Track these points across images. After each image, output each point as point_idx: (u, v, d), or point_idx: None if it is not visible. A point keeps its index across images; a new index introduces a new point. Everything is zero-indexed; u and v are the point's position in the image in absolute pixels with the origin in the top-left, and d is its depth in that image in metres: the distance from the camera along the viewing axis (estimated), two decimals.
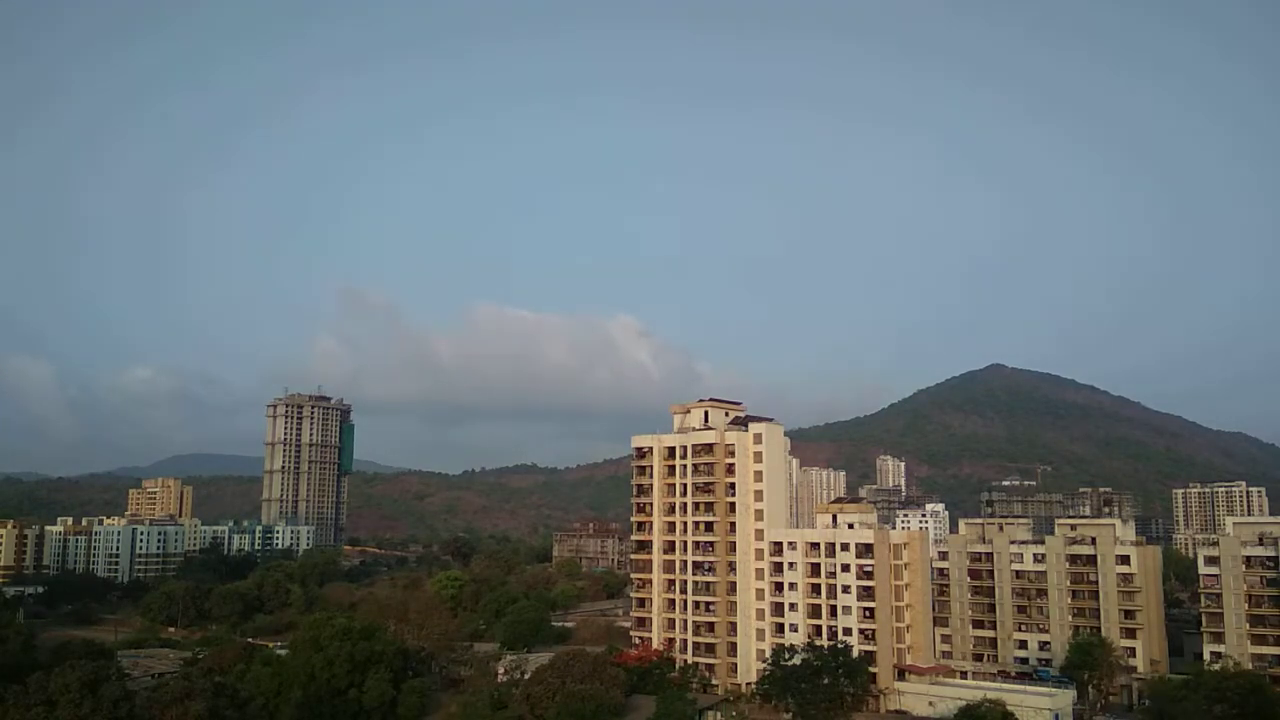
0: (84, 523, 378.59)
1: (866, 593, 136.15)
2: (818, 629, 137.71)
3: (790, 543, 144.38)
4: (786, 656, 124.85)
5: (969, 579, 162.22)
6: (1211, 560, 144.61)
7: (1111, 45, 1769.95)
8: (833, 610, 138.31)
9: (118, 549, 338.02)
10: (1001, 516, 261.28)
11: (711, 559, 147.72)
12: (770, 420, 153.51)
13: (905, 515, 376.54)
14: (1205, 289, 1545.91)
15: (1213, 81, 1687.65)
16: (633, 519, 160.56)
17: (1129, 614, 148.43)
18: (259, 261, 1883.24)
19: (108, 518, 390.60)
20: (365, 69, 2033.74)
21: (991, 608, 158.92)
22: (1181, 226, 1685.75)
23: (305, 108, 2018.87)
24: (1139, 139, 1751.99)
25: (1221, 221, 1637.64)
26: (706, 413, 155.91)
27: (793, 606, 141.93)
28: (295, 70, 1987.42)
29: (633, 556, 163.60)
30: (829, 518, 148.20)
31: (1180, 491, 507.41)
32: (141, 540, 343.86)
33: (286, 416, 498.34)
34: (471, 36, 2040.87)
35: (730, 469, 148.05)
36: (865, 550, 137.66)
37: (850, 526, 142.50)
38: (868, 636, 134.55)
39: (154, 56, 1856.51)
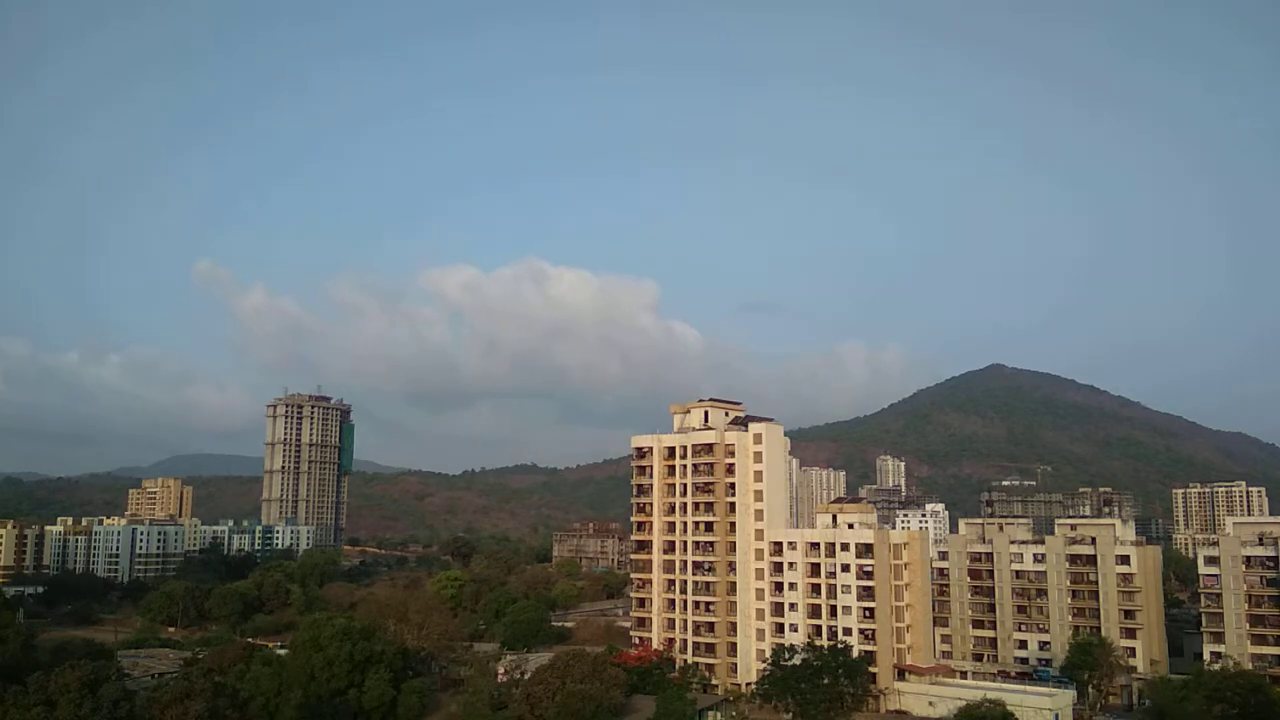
0: (84, 523, 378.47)
1: (866, 593, 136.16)
2: (818, 629, 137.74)
3: (790, 543, 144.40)
4: (786, 656, 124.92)
5: (969, 579, 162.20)
6: (1211, 560, 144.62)
7: (1125, 29, 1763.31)
8: (833, 610, 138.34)
9: (118, 549, 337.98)
10: (1001, 516, 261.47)
11: (711, 559, 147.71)
12: (770, 420, 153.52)
13: (905, 515, 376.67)
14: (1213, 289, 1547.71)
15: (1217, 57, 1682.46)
16: (633, 519, 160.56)
17: (1129, 614, 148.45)
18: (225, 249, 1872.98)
19: (108, 518, 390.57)
20: (360, 53, 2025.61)
21: (991, 608, 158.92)
22: (1196, 229, 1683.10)
23: (295, 91, 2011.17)
24: (1150, 142, 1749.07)
25: (1235, 225, 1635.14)
26: (706, 413, 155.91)
27: (793, 606, 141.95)
28: (261, 65, 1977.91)
29: (633, 556, 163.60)
30: (829, 518, 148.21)
31: (1180, 491, 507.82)
32: (141, 540, 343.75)
33: (286, 416, 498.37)
34: (477, 18, 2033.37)
35: (730, 469, 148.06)
36: (865, 550, 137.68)
37: (850, 526, 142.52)
38: (868, 636, 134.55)
39: (98, 59, 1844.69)
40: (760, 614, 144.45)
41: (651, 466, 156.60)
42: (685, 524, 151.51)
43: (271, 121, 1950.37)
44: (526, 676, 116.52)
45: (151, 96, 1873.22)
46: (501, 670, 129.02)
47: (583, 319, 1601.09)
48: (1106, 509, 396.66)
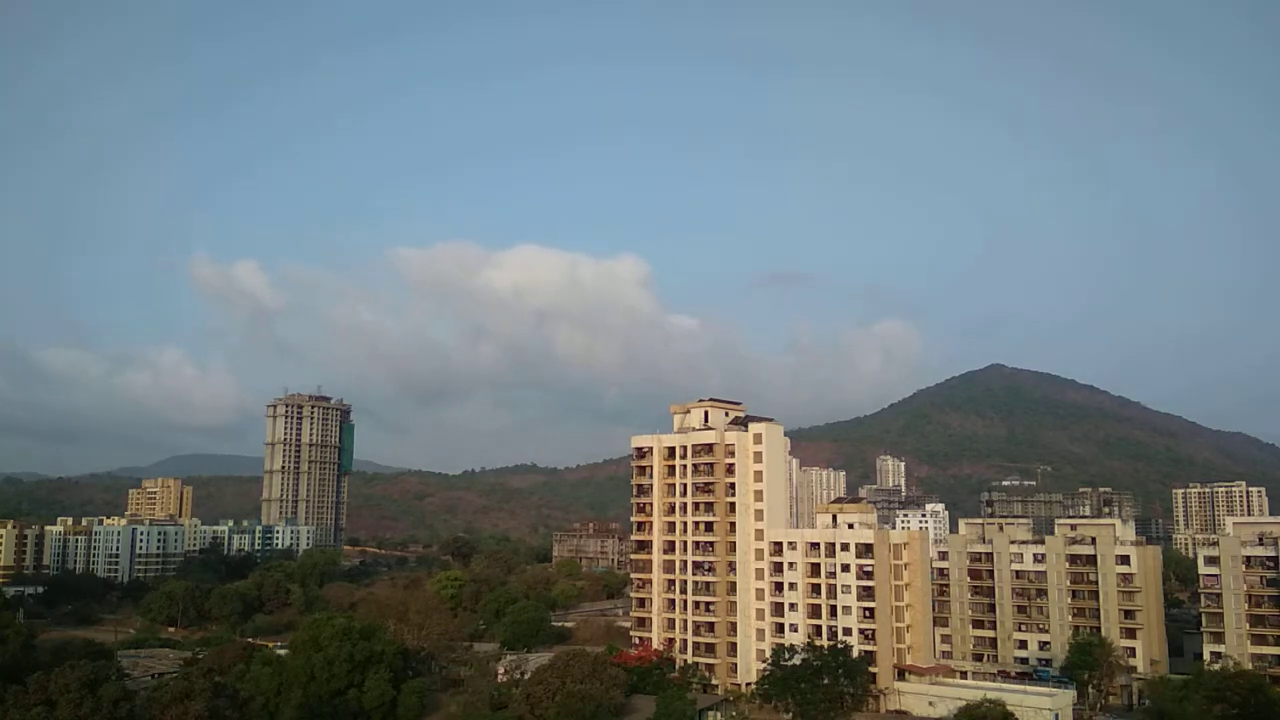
0: (84, 523, 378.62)
1: (866, 593, 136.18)
2: (818, 629, 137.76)
3: (790, 543, 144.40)
4: (786, 656, 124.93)
5: (969, 579, 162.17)
6: (1211, 560, 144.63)
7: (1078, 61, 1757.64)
8: (833, 610, 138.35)
9: (118, 549, 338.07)
10: (1001, 516, 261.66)
11: (711, 559, 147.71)
12: (770, 420, 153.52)
13: (905, 515, 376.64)
14: (1207, 287, 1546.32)
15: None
16: (633, 519, 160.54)
17: (1129, 614, 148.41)
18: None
19: (108, 518, 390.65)
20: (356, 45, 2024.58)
21: (991, 608, 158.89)
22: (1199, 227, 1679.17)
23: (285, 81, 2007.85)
24: (1171, 145, 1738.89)
25: (1252, 226, 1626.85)
26: (706, 413, 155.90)
27: (793, 606, 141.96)
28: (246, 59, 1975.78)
29: (633, 556, 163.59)
30: (829, 518, 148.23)
31: (1180, 491, 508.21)
32: (141, 540, 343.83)
33: (286, 416, 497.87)
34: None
35: (730, 469, 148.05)
36: (865, 550, 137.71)
37: (850, 526, 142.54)
38: (868, 636, 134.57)
39: (74, 56, 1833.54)
40: (760, 614, 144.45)
41: (651, 466, 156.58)
42: (685, 524, 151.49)
43: (243, 115, 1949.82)
44: (526, 676, 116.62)
45: (126, 92, 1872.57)
46: (501, 670, 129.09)
47: (574, 301, 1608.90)
48: (1106, 509, 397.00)
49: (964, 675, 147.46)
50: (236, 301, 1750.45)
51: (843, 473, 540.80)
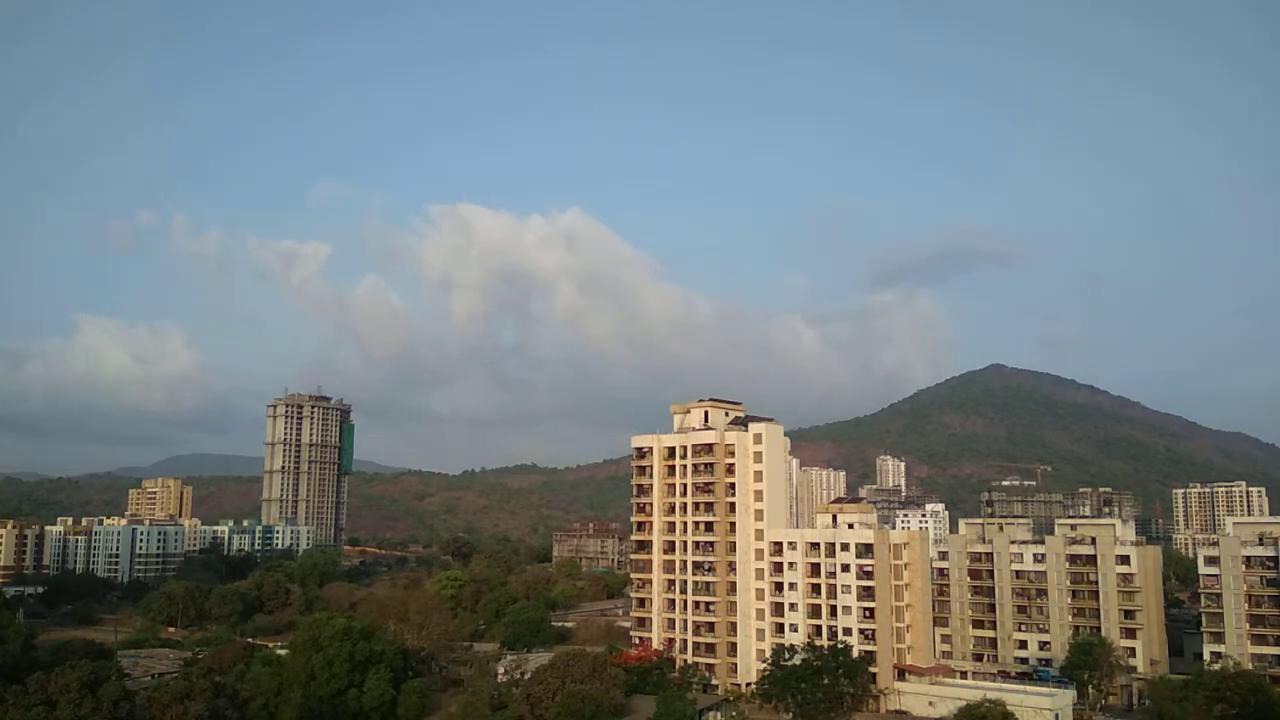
0: (84, 523, 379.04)
1: (866, 593, 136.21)
2: (818, 629, 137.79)
3: (790, 543, 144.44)
4: (786, 656, 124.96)
5: (969, 579, 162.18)
6: (1211, 560, 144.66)
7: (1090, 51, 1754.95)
8: (833, 610, 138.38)
9: (118, 549, 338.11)
10: (1001, 516, 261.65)
11: (711, 559, 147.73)
12: (770, 420, 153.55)
13: (905, 515, 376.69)
14: (1204, 287, 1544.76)
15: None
16: (633, 519, 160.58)
17: (1129, 614, 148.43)
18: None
19: (108, 518, 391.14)
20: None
21: (991, 608, 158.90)
22: (1181, 227, 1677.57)
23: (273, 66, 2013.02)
24: (1136, 140, 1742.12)
25: (1225, 221, 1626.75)
26: (706, 413, 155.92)
27: (793, 606, 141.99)
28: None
29: (633, 556, 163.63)
30: (829, 518, 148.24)
31: (1180, 491, 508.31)
32: (141, 540, 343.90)
33: (286, 416, 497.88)
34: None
35: (730, 469, 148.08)
36: (865, 550, 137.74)
37: (850, 526, 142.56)
38: (868, 636, 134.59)
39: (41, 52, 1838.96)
40: (760, 614, 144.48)
41: (651, 466, 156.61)
42: (685, 524, 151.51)
43: (213, 99, 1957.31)
44: (526, 676, 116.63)
45: (102, 77, 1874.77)
46: (501, 670, 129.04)
47: (550, 266, 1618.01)
48: (1106, 509, 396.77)
49: (964, 675, 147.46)
50: (203, 277, 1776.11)
51: (843, 473, 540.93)
